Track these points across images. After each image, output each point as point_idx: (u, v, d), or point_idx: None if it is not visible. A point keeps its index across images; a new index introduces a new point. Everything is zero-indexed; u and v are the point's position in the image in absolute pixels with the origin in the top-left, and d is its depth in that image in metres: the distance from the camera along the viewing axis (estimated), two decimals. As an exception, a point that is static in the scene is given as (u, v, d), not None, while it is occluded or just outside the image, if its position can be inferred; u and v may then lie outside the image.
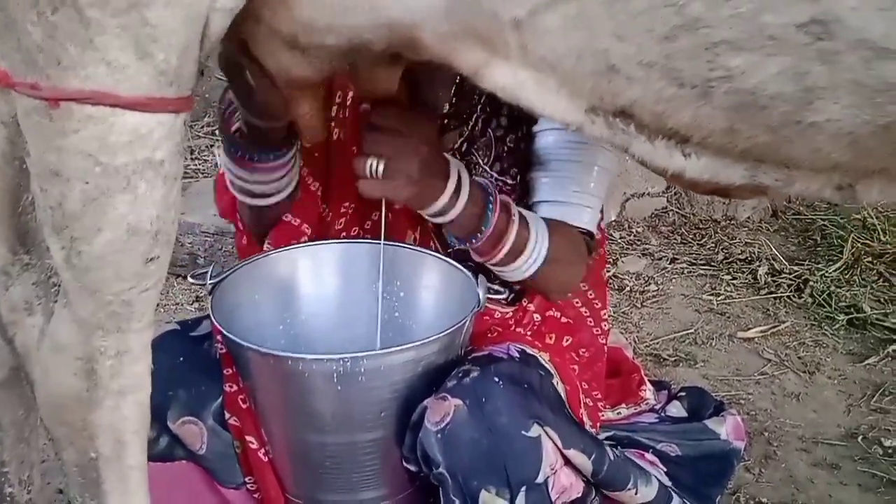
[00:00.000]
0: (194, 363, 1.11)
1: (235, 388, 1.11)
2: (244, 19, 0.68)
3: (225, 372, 1.12)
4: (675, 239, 2.51)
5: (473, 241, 1.04)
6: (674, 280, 2.28)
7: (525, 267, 1.07)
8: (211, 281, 1.06)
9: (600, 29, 0.57)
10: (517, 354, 1.11)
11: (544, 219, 1.10)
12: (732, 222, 2.61)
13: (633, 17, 0.54)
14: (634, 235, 2.50)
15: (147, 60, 0.61)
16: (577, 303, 1.29)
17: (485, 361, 1.03)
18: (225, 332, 0.99)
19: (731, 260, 2.36)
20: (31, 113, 0.64)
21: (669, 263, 2.35)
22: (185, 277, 1.59)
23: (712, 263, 2.36)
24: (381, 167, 0.96)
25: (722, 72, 0.53)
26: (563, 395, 1.13)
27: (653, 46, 0.55)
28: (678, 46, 0.54)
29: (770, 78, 0.52)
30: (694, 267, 2.34)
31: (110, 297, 0.70)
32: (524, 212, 1.08)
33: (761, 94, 0.53)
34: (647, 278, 2.27)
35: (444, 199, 1.00)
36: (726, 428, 1.34)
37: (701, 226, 2.57)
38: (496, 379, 0.99)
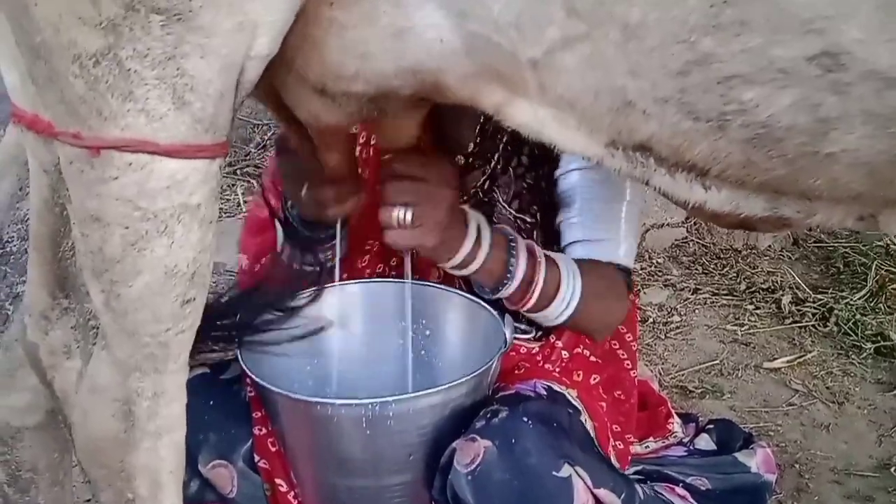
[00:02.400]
0: (224, 406, 1.12)
1: (265, 431, 1.11)
2: (275, 67, 0.70)
3: (254, 415, 1.12)
4: (696, 269, 2.50)
5: (501, 288, 1.04)
6: (697, 311, 2.27)
7: (560, 309, 1.08)
8: None
9: (615, 66, 0.58)
10: (545, 392, 1.11)
11: (575, 260, 1.10)
12: (753, 251, 2.60)
13: (646, 54, 0.56)
14: (655, 266, 2.50)
15: (184, 109, 0.63)
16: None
17: (513, 401, 1.03)
18: (253, 377, 0.99)
19: (753, 289, 2.35)
20: (73, 161, 0.66)
21: (692, 294, 2.34)
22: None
23: (735, 293, 2.34)
24: (408, 216, 0.97)
25: (735, 105, 0.54)
26: (591, 432, 1.13)
27: (667, 82, 0.56)
28: (692, 81, 0.55)
29: (783, 110, 0.53)
30: (717, 297, 2.32)
31: (147, 338, 0.72)
32: (550, 253, 1.08)
33: (775, 125, 0.54)
34: (669, 309, 2.27)
35: (466, 246, 1.01)
36: (756, 460, 1.33)
37: (722, 255, 2.56)
38: (525, 418, 0.98)
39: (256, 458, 1.11)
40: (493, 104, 0.68)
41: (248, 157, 2.92)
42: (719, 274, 2.46)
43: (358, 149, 1.20)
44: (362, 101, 0.73)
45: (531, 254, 1.05)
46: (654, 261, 2.52)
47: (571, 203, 1.15)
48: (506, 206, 1.18)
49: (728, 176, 0.60)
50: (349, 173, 0.98)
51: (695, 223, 2.62)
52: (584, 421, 1.12)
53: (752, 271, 2.46)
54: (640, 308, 2.23)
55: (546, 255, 1.06)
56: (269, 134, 2.96)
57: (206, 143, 0.66)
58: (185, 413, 0.80)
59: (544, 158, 1.17)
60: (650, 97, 0.57)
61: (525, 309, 1.08)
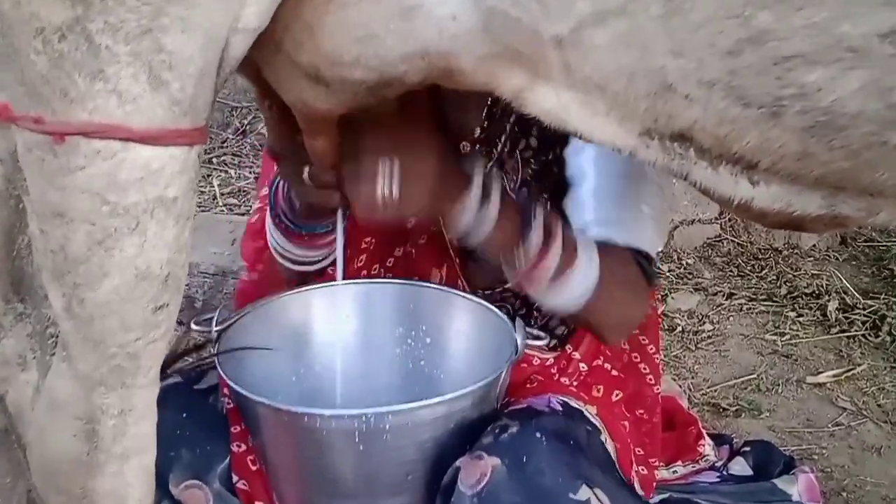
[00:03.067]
0: (199, 420, 1.12)
1: (244, 447, 1.11)
2: (261, 43, 0.70)
3: (233, 429, 1.12)
4: (731, 271, 2.50)
5: (514, 264, 1.02)
6: (731, 318, 2.27)
7: (574, 293, 1.04)
8: (217, 328, 1.07)
9: (655, 45, 0.57)
10: (560, 407, 1.11)
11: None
12: (796, 251, 2.61)
13: (692, 31, 0.55)
14: (685, 268, 2.50)
15: (161, 90, 0.63)
16: (626, 347, 1.29)
17: (525, 415, 1.03)
18: (233, 385, 0.99)
19: (795, 294, 2.36)
20: (32, 149, 0.65)
21: (726, 299, 2.35)
22: (182, 324, 1.63)
23: (774, 298, 2.35)
24: (395, 181, 0.95)
25: (794, 89, 0.53)
26: (612, 453, 1.13)
27: (715, 63, 0.55)
28: (744, 62, 0.54)
29: (850, 94, 0.52)
30: (754, 303, 2.33)
31: (115, 349, 0.71)
32: (570, 232, 1.06)
33: (840, 113, 0.53)
34: (700, 316, 2.27)
35: (469, 207, 0.98)
36: (799, 487, 1.34)
37: (760, 256, 2.57)
38: (538, 434, 0.99)
39: (235, 477, 1.11)
40: (513, 89, 0.67)
41: (224, 145, 2.91)
42: (757, 277, 2.46)
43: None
44: (360, 90, 0.72)
45: (548, 225, 1.03)
46: (683, 262, 2.53)
47: (587, 177, 1.13)
48: (513, 193, 1.18)
49: (780, 169, 0.59)
50: (334, 157, 0.96)
51: (730, 219, 2.63)
52: (604, 441, 1.12)
53: (794, 274, 2.46)
54: (667, 315, 2.26)
55: (563, 230, 1.04)
56: (248, 118, 2.97)
57: (185, 127, 0.65)
58: (155, 433, 0.79)
59: (555, 140, 1.17)
60: (694, 80, 0.57)
61: (535, 290, 1.04)
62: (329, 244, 1.15)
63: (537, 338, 1.08)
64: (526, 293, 1.08)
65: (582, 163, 1.14)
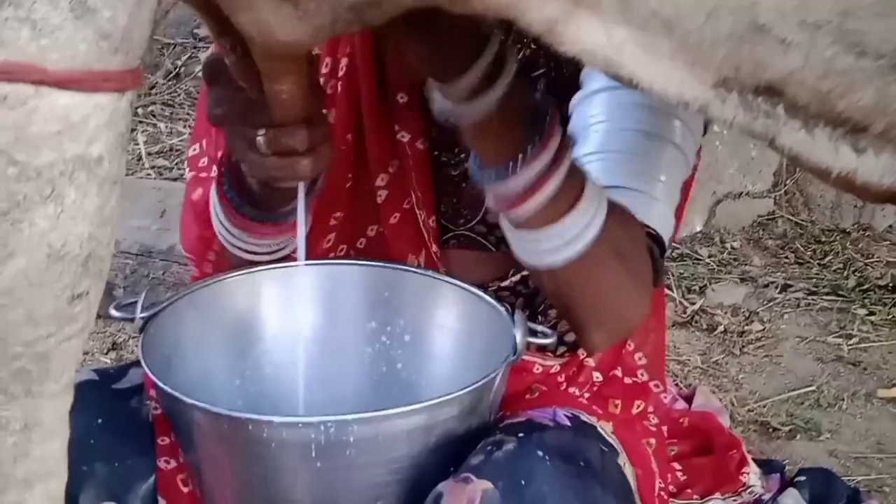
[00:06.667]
0: (117, 427, 1.11)
1: (174, 463, 1.11)
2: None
3: (160, 441, 1.12)
4: (786, 258, 2.53)
5: (506, 170, 0.97)
6: (786, 316, 2.29)
7: (567, 235, 1.00)
8: (142, 314, 1.06)
9: (747, -28, 0.57)
10: (568, 421, 1.11)
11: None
12: (867, 233, 2.64)
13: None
14: (729, 253, 2.52)
15: (86, 19, 0.62)
16: (629, 346, 1.31)
17: (524, 429, 1.04)
18: (160, 385, 0.99)
19: (866, 287, 2.38)
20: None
21: (779, 293, 2.37)
22: (101, 317, 1.64)
23: (840, 292, 2.37)
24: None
25: (928, 36, 0.53)
26: (631, 480, 1.14)
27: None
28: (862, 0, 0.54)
29: None
30: (814, 297, 2.35)
31: (19, 347, 0.70)
32: (587, 174, 1.03)
33: None
34: (748, 314, 2.28)
35: (478, 67, 0.93)
36: None
37: (823, 238, 2.60)
38: (540, 453, 0.99)
39: (161, 501, 1.11)
40: (544, 20, 0.65)
41: (153, 92, 2.92)
42: (819, 264, 2.48)
43: (322, 79, 1.19)
44: (339, 10, 0.71)
45: (562, 143, 0.99)
46: (727, 245, 2.55)
47: (592, 135, 1.12)
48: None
49: None
50: (307, 113, 0.96)
51: (786, 191, 2.65)
52: (622, 464, 1.12)
53: (866, 261, 2.49)
54: (706, 311, 2.28)
55: (577, 167, 1.02)
56: (183, 59, 2.99)
57: (115, 69, 0.64)
58: (66, 453, 0.79)
59: (569, 83, 1.16)
60: (795, 20, 0.56)
61: (522, 212, 1.00)
62: (292, 228, 1.13)
63: (543, 335, 1.08)
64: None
65: (589, 115, 1.14)
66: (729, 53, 0.60)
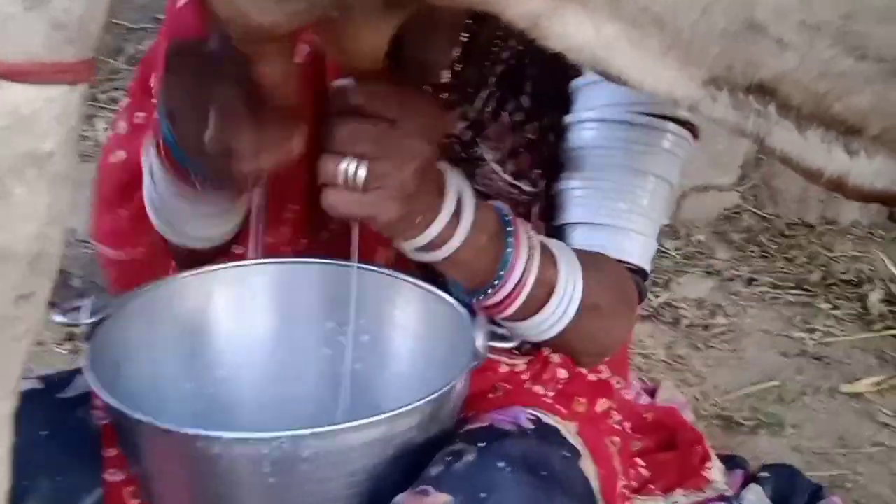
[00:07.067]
0: (62, 439, 1.09)
1: (121, 476, 1.10)
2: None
3: (106, 453, 1.10)
4: (751, 251, 2.54)
5: (482, 291, 1.03)
6: (751, 310, 2.30)
7: (548, 323, 1.07)
8: (89, 319, 1.05)
9: (744, -30, 0.57)
10: (531, 425, 1.11)
11: (577, 251, 1.10)
12: (832, 227, 2.65)
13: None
14: (694, 246, 2.53)
15: (40, 9, 0.60)
16: None
17: (485, 437, 1.03)
18: (105, 397, 0.97)
19: (830, 282, 2.40)
20: None
21: (745, 286, 2.38)
22: (55, 305, 1.63)
23: (805, 286, 2.38)
24: (361, 173, 0.93)
25: (932, 41, 0.53)
26: (593, 481, 1.13)
27: (826, 1, 0.54)
28: (866, 2, 0.53)
29: None
30: (779, 291, 2.37)
31: None
32: (547, 241, 1.07)
33: None
34: (713, 307, 2.29)
35: (439, 223, 0.98)
36: None
37: (788, 233, 2.62)
38: (501, 464, 0.98)
39: None
40: (529, 14, 0.64)
41: (114, 77, 2.87)
42: (784, 258, 2.50)
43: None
44: None
45: (526, 240, 1.04)
46: (692, 238, 2.56)
47: (579, 166, 1.15)
48: (497, 166, 1.17)
49: (892, 138, 0.58)
50: (289, 85, 0.92)
51: (752, 185, 2.68)
52: (583, 468, 1.12)
53: (830, 256, 2.50)
54: (671, 305, 2.31)
55: (541, 242, 1.05)
56: (145, 43, 2.92)
57: (68, 60, 0.63)
58: (9, 461, 0.77)
59: (556, 99, 1.17)
60: (794, 20, 0.55)
61: (502, 317, 1.07)
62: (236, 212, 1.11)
63: (503, 338, 1.08)
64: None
65: (578, 145, 1.15)
66: (722, 51, 0.60)
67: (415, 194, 0.95)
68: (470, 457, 0.98)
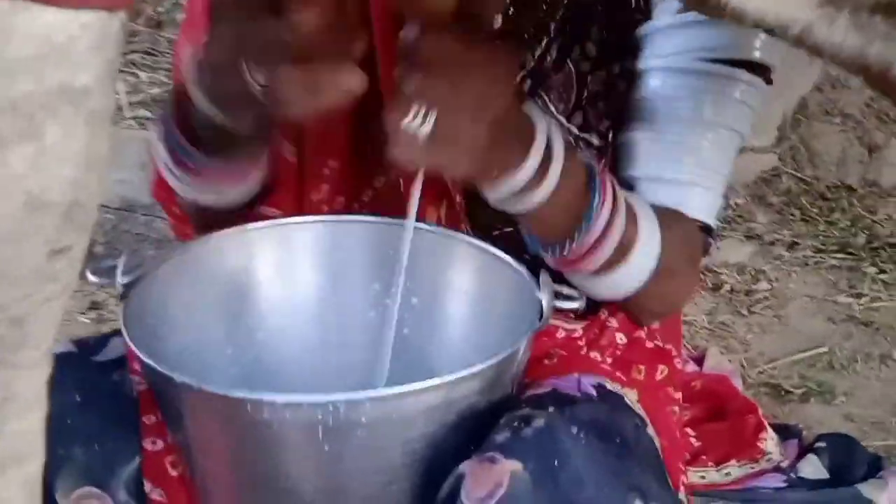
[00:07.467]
0: (98, 405, 1.07)
1: (161, 444, 1.08)
2: None
3: (145, 420, 1.08)
4: (792, 214, 2.54)
5: (564, 245, 1.02)
6: (794, 275, 2.31)
7: (624, 280, 1.07)
8: (123, 280, 1.02)
9: None
10: (594, 391, 1.09)
11: (653, 207, 1.09)
12: (874, 189, 2.65)
13: None
14: (734, 210, 2.53)
15: None
16: None
17: (552, 402, 1.00)
18: (145, 359, 0.94)
19: (876, 245, 2.40)
20: None
21: (787, 250, 2.38)
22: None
23: (849, 250, 2.39)
24: (429, 123, 0.91)
25: None
26: (660, 453, 1.11)
27: None
28: None
29: None
30: (822, 255, 2.37)
31: None
32: (628, 195, 1.07)
33: None
34: (755, 273, 2.30)
35: (524, 173, 0.96)
36: (890, 494, 1.34)
37: (829, 195, 2.61)
38: (574, 429, 0.95)
39: (147, 485, 1.07)
40: None
41: (134, 40, 2.86)
42: (825, 221, 2.52)
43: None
44: None
45: (612, 195, 1.03)
46: (731, 202, 2.58)
47: (648, 117, 1.14)
48: (562, 119, 1.15)
49: None
50: (333, 49, 0.90)
51: (791, 146, 2.67)
52: (652, 437, 1.10)
53: (874, 219, 2.51)
54: (712, 270, 2.35)
55: (625, 199, 1.05)
56: (165, 5, 2.94)
57: None
58: (44, 430, 0.73)
59: (624, 47, 1.14)
60: None
61: (578, 274, 1.06)
62: (243, 177, 1.09)
63: (569, 298, 1.07)
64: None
65: (648, 94, 1.15)
66: None
67: (490, 146, 0.94)
68: (539, 422, 0.95)
